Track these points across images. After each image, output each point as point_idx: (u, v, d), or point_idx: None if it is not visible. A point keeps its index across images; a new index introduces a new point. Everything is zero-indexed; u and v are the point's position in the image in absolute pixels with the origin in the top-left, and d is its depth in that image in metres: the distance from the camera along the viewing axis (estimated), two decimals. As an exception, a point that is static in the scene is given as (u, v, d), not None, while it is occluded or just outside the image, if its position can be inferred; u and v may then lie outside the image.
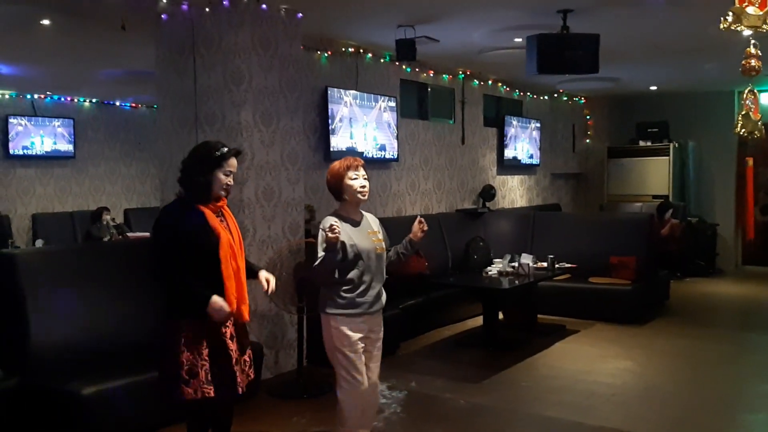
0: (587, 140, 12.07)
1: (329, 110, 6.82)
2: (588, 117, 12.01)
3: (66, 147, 10.48)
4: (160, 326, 3.30)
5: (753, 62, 4.39)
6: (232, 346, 3.27)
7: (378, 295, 3.59)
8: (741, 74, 4.53)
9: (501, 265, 6.83)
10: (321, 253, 3.40)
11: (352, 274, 3.47)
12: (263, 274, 3.52)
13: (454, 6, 5.88)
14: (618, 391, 5.15)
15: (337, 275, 3.47)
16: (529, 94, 10.55)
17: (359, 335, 3.51)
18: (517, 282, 6.46)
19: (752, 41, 4.40)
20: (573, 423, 4.50)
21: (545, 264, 6.99)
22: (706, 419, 4.66)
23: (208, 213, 3.24)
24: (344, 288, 3.48)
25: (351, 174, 3.50)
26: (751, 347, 6.66)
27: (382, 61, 7.57)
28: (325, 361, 4.60)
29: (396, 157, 7.74)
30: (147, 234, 8.64)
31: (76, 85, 9.71)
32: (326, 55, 6.88)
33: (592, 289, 7.49)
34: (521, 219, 8.76)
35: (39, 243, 8.99)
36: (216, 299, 3.15)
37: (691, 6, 5.80)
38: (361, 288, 3.49)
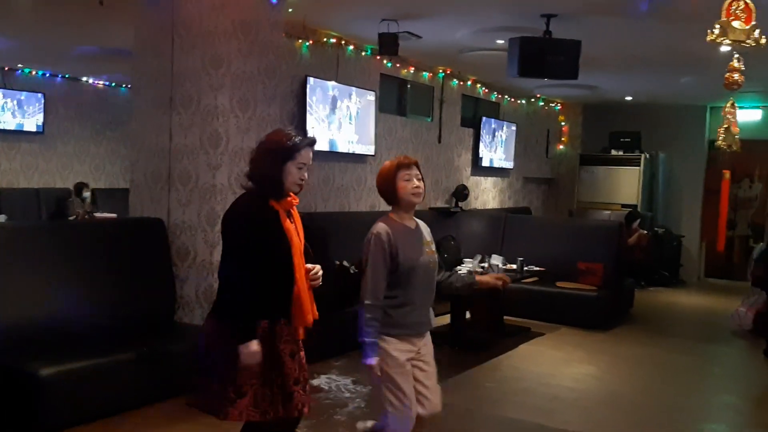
0: (560, 146, 12.17)
1: (308, 100, 6.75)
2: (563, 123, 12.11)
3: (35, 122, 10.24)
4: (206, 328, 2.96)
5: (736, 76, 4.43)
6: (291, 364, 2.89)
7: (428, 315, 3.21)
8: (723, 87, 4.56)
9: (471, 265, 6.84)
10: (371, 269, 3.01)
11: (402, 291, 3.05)
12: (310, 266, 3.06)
13: (440, 3, 5.87)
14: (581, 396, 5.20)
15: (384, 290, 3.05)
16: (506, 96, 10.59)
17: (407, 356, 3.10)
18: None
19: (735, 55, 4.45)
20: (535, 425, 4.52)
21: (514, 266, 7.02)
22: (668, 428, 4.72)
23: (281, 214, 2.89)
24: (391, 306, 3.04)
25: (402, 174, 3.08)
26: (712, 359, 6.77)
27: (363, 54, 7.52)
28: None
29: (373, 152, 7.70)
30: (113, 215, 8.53)
31: (49, 60, 9.50)
32: (307, 44, 6.81)
33: (559, 294, 7.56)
34: (493, 220, 8.79)
35: (2, 218, 8.77)
36: (255, 345, 2.77)
37: (673, 19, 5.88)
38: (411, 307, 3.08)
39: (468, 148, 9.74)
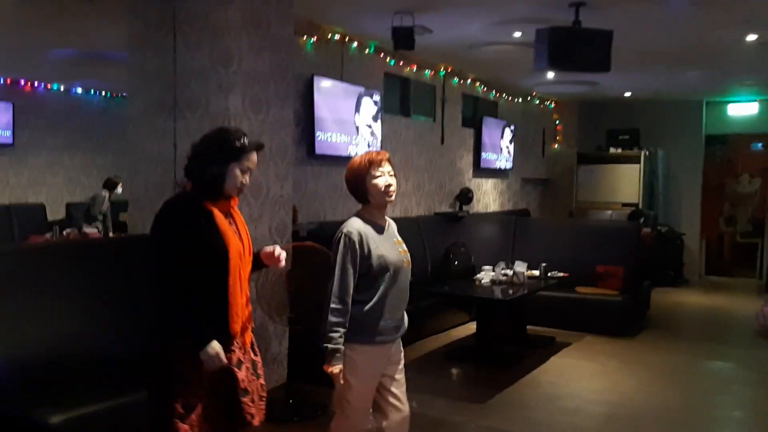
0: (555, 145, 11.84)
1: (314, 100, 6.27)
2: (557, 122, 11.78)
3: (4, 134, 9.54)
4: (151, 342, 2.74)
5: None
6: (241, 374, 2.73)
7: (402, 318, 3.01)
8: None
9: (493, 273, 6.42)
10: (339, 270, 2.80)
11: (374, 294, 2.86)
12: (270, 248, 2.92)
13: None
14: (635, 414, 4.79)
15: (355, 293, 2.86)
16: (503, 95, 10.22)
17: (378, 368, 2.93)
18: (511, 292, 6.05)
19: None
20: (600, 451, 4.12)
21: (535, 272, 6.61)
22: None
23: (217, 214, 2.68)
24: (363, 310, 2.85)
25: (374, 171, 2.90)
26: (748, 364, 6.35)
27: (366, 51, 7.06)
28: (311, 378, 4.07)
29: (379, 155, 7.24)
30: (95, 231, 7.91)
31: (21, 65, 8.81)
32: (312, 41, 6.32)
33: (582, 300, 7.16)
34: (502, 224, 8.39)
35: (-26, 238, 8.10)
36: (216, 345, 2.60)
37: (706, 8, 5.51)
38: (385, 310, 2.88)
39: (469, 149, 9.33)
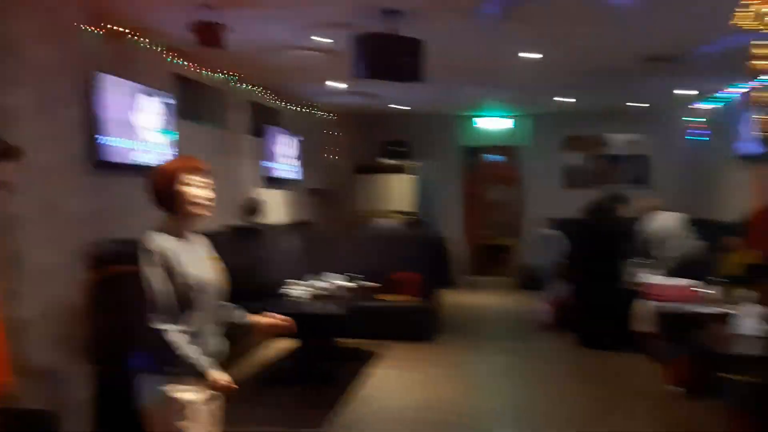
0: (335, 156, 11.86)
1: (97, 100, 5.45)
2: (336, 133, 11.80)
3: None
4: None
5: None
6: None
7: (219, 343, 2.66)
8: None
9: (308, 287, 6.14)
10: (150, 291, 2.43)
11: (191, 319, 2.51)
12: None
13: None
14: (488, 416, 4.88)
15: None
16: (289, 105, 9.94)
17: (204, 398, 2.54)
18: (334, 305, 5.85)
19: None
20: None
21: (352, 284, 6.45)
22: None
23: None
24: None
25: (189, 178, 2.55)
26: (541, 356, 6.81)
27: (156, 49, 6.33)
28: (124, 428, 3.58)
29: (173, 164, 6.53)
30: None
31: None
32: (97, 33, 5.48)
33: (388, 308, 7.16)
34: (294, 236, 8.13)
35: None
36: None
37: (516, 22, 5.76)
38: (204, 336, 2.55)
39: (256, 158, 8.91)
